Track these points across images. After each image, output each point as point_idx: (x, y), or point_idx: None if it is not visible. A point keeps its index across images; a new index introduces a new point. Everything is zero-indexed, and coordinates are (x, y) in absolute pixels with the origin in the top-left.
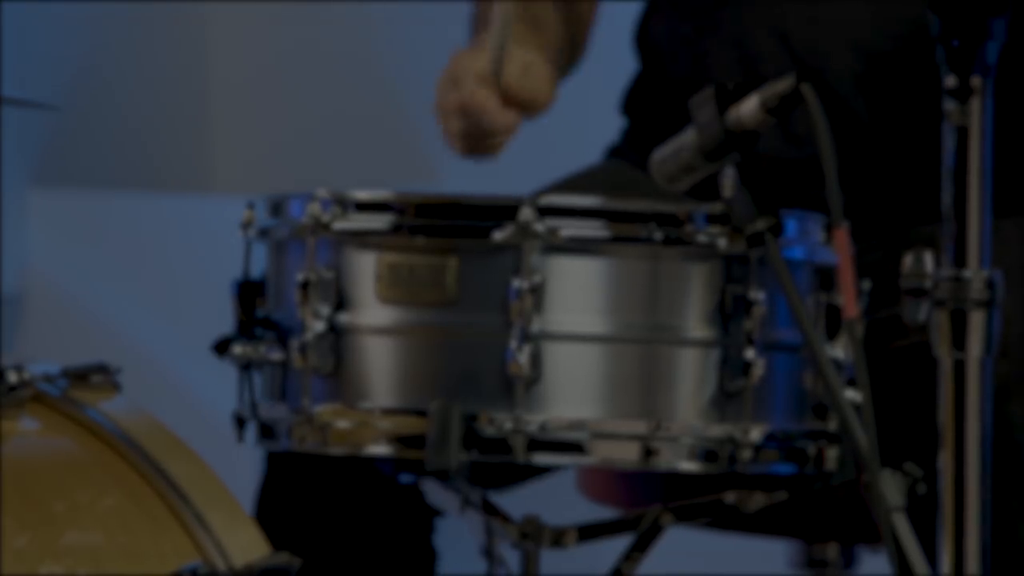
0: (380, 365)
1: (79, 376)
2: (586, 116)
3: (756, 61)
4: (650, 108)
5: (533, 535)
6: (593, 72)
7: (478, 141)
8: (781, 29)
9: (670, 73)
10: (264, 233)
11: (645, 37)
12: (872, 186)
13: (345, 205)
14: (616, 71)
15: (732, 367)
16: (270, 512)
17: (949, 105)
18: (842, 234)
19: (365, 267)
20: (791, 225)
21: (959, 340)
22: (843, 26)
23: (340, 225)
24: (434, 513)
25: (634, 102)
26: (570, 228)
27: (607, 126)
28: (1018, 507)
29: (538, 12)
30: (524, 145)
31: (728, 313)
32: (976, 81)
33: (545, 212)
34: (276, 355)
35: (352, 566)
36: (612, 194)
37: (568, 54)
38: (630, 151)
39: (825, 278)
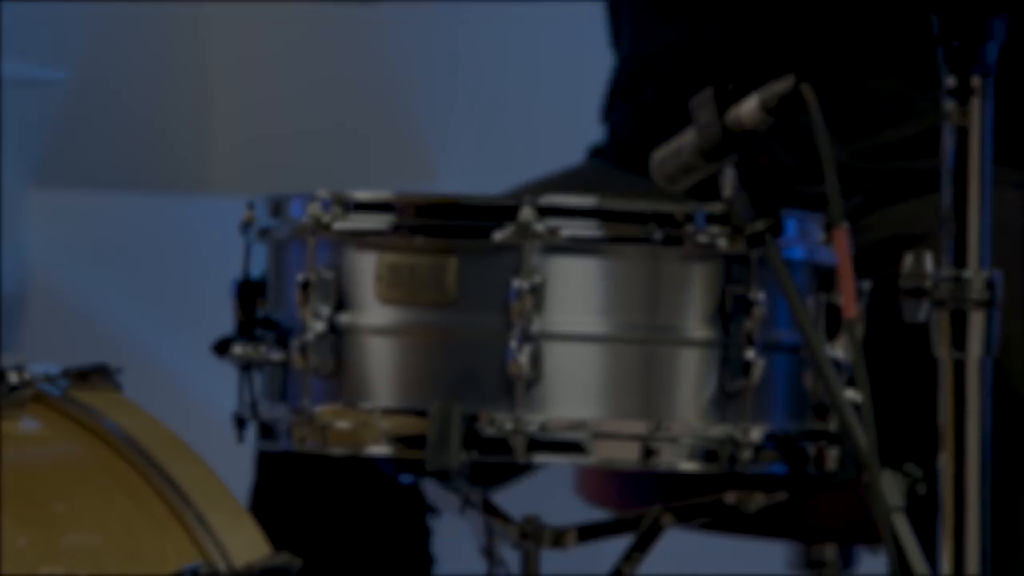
0: (380, 365)
1: (79, 376)
2: (587, 115)
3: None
4: (625, 119)
5: (533, 535)
6: (591, 72)
7: None
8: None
9: (639, 87)
10: (264, 233)
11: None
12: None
13: (345, 205)
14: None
15: (732, 367)
16: (262, 513)
17: (949, 105)
18: (842, 234)
19: (365, 267)
20: (791, 225)
21: (959, 340)
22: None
23: (340, 225)
24: (430, 512)
25: (611, 110)
26: (570, 228)
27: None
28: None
29: None
30: (524, 144)
31: (728, 313)
32: (976, 81)
33: (545, 212)
34: (276, 355)
35: (347, 567)
36: (610, 194)
37: None
38: (612, 154)
39: (825, 278)
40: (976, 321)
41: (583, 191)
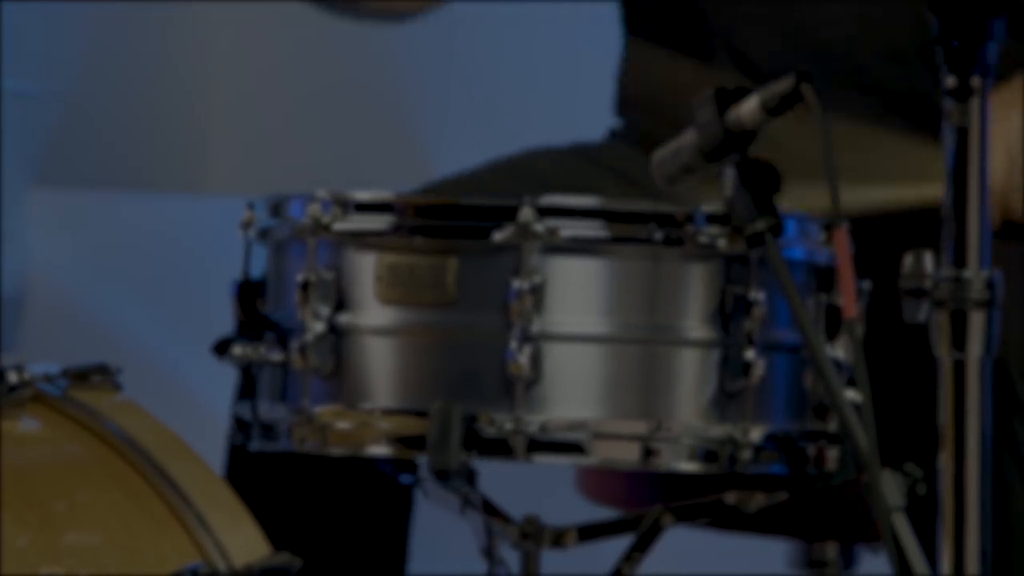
0: (380, 366)
1: (79, 376)
2: (585, 114)
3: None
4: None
5: (533, 535)
6: (594, 69)
7: None
8: (737, 43)
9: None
10: (264, 233)
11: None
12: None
13: (345, 206)
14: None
15: (732, 367)
16: None
17: (949, 105)
18: (842, 234)
19: (365, 268)
20: (791, 225)
21: (959, 340)
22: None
23: (340, 226)
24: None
25: (624, 103)
26: (570, 228)
27: (608, 123)
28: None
29: None
30: (523, 144)
31: (728, 313)
32: (976, 81)
33: (545, 212)
34: (276, 356)
35: (315, 560)
36: (612, 194)
37: None
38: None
39: (825, 278)
40: (976, 321)
41: (596, 167)
